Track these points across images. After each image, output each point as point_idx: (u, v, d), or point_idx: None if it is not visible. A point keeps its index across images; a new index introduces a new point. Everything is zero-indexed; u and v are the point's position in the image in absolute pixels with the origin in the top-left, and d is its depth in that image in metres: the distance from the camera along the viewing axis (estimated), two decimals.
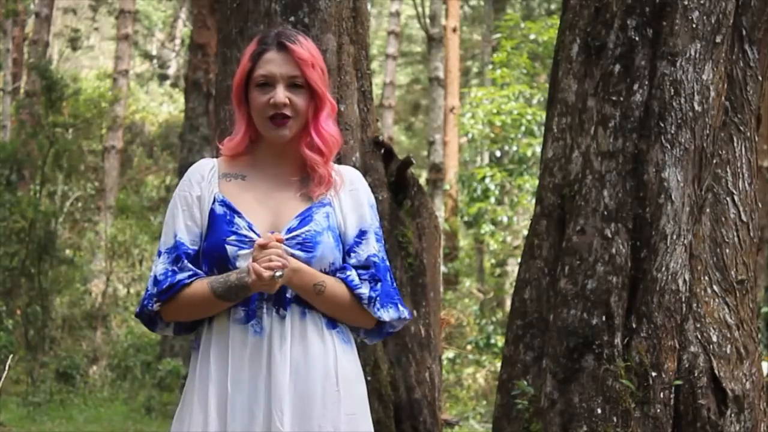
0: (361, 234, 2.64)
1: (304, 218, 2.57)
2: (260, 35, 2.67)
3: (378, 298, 2.61)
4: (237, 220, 2.56)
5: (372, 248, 2.63)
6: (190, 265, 2.58)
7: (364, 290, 2.59)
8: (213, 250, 2.56)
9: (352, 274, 2.60)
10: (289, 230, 2.56)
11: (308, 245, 2.55)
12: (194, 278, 2.56)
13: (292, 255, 2.53)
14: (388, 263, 2.68)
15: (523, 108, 14.09)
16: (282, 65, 2.58)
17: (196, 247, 2.60)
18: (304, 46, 2.60)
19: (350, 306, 2.59)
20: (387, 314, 2.64)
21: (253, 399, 2.50)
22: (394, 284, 2.69)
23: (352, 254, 2.62)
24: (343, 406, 2.55)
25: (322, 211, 2.60)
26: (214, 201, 2.60)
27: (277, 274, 2.44)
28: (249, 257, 2.51)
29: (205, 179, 2.64)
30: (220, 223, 2.57)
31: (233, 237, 2.54)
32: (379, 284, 2.62)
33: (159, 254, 2.62)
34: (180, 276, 2.56)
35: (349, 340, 2.64)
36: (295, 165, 2.64)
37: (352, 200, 2.65)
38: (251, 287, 2.48)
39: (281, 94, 2.56)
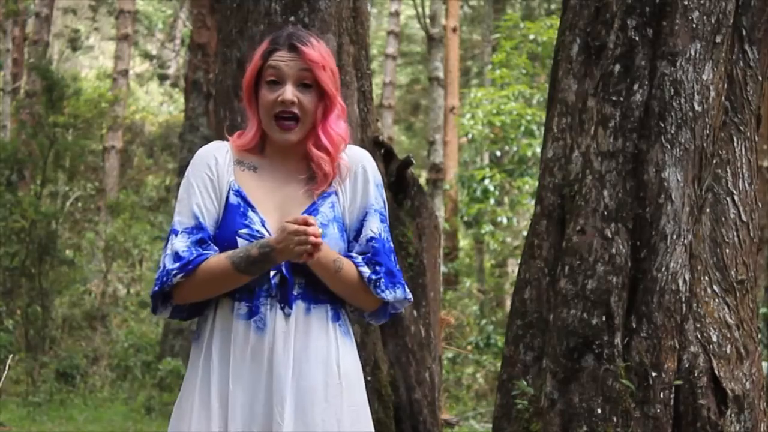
0: (364, 215, 2.65)
1: (310, 213, 2.59)
2: (273, 35, 2.68)
3: (381, 280, 2.62)
4: (251, 213, 2.58)
5: (371, 230, 2.64)
6: (215, 247, 2.58)
7: (366, 270, 2.60)
8: (223, 239, 2.57)
9: (356, 255, 2.62)
10: None
11: None
12: (211, 254, 2.57)
13: None
14: (391, 244, 2.68)
15: (522, 108, 14.08)
16: (292, 65, 2.60)
17: (212, 233, 2.61)
18: (316, 48, 2.62)
19: (359, 285, 2.60)
20: (392, 295, 2.64)
21: (253, 395, 2.51)
22: (397, 265, 2.69)
23: (358, 238, 2.65)
24: (345, 398, 2.57)
25: (328, 202, 2.62)
26: (229, 189, 2.62)
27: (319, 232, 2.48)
28: None
29: (221, 163, 2.64)
30: (233, 214, 2.59)
31: (245, 230, 2.56)
32: (379, 267, 2.62)
33: (175, 233, 2.59)
34: (202, 253, 2.56)
35: (349, 332, 2.66)
36: (303, 162, 2.65)
37: (357, 182, 2.66)
38: (276, 259, 2.48)
39: (289, 92, 2.58)
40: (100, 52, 30.41)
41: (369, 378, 4.76)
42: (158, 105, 27.09)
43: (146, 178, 21.56)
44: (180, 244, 2.57)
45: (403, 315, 5.10)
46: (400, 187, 5.31)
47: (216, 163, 2.64)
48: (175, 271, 2.55)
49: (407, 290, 2.68)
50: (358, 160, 2.68)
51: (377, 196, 2.67)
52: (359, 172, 2.66)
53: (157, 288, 2.58)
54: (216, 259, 2.53)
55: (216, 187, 2.62)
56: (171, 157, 21.60)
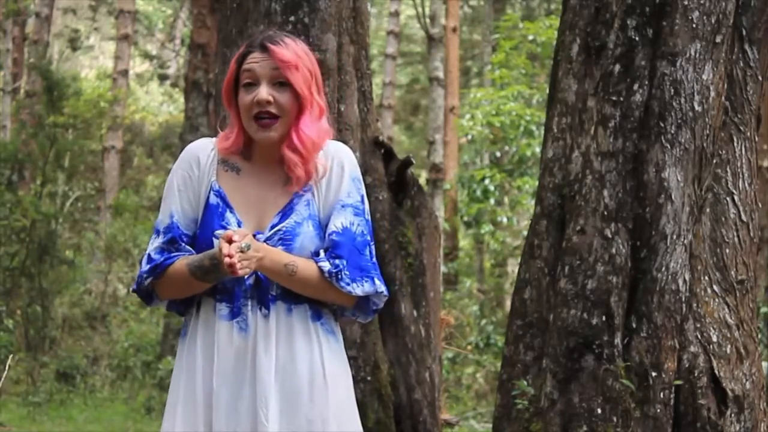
0: (332, 211, 2.64)
1: (285, 212, 2.61)
2: (248, 40, 2.71)
3: (342, 272, 2.59)
4: (228, 215, 2.60)
5: (334, 225, 2.62)
6: (187, 247, 2.62)
7: (326, 264, 2.59)
8: (203, 239, 2.60)
9: (321, 252, 2.62)
10: (272, 227, 2.60)
11: (287, 238, 2.58)
12: (180, 256, 2.60)
13: None
14: (367, 237, 2.66)
15: (522, 109, 14.07)
16: (264, 65, 2.61)
17: (190, 232, 2.64)
18: (289, 48, 2.62)
19: (323, 283, 2.59)
20: (360, 288, 2.61)
21: (237, 396, 2.53)
22: (373, 258, 2.67)
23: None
24: (330, 398, 2.57)
25: (303, 200, 2.62)
26: (210, 189, 2.63)
27: (243, 244, 2.46)
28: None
29: (204, 163, 2.66)
30: (212, 215, 2.61)
31: (222, 231, 2.57)
32: (339, 260, 2.59)
33: (157, 233, 2.65)
34: (172, 255, 2.60)
35: (333, 331, 2.65)
36: (281, 163, 2.66)
37: (332, 179, 2.65)
38: (224, 271, 2.48)
39: (264, 92, 2.59)
40: (100, 52, 30.40)
41: (369, 378, 4.76)
42: (158, 105, 27.08)
43: (146, 178, 21.55)
44: (155, 244, 2.63)
45: (403, 315, 5.09)
46: (400, 187, 5.31)
47: (198, 163, 2.66)
48: (144, 275, 2.62)
49: (378, 283, 2.64)
50: (335, 156, 2.67)
51: (351, 191, 2.65)
52: (335, 170, 2.65)
53: (134, 287, 2.67)
54: (179, 264, 2.57)
55: (195, 186, 2.65)
56: (171, 157, 21.58)
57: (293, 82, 2.60)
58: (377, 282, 2.64)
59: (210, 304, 2.59)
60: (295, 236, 2.57)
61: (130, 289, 2.75)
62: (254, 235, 2.55)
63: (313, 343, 2.58)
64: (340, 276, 2.58)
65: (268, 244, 2.55)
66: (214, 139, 2.72)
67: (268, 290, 2.56)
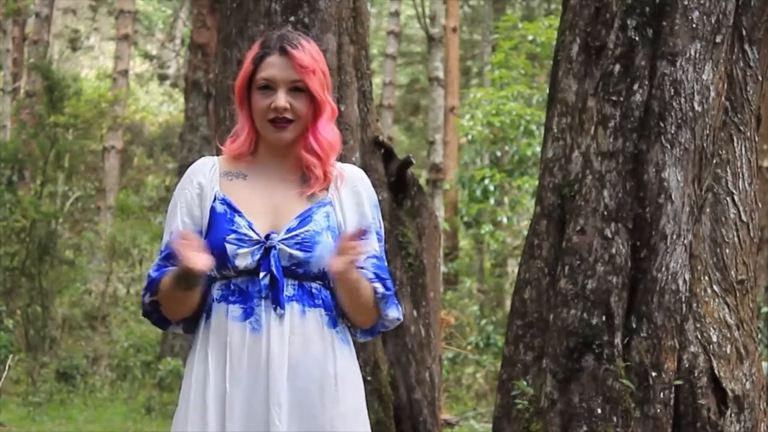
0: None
1: (304, 218, 2.59)
2: (263, 38, 2.69)
3: (388, 297, 2.64)
4: (237, 219, 2.58)
5: (373, 248, 2.65)
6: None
7: (379, 286, 2.62)
8: (213, 248, 2.57)
9: (367, 270, 2.62)
10: (289, 230, 2.58)
11: (307, 245, 2.56)
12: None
13: (291, 255, 2.55)
14: (386, 264, 2.70)
15: (522, 109, 14.07)
16: (283, 70, 2.60)
17: None
18: (306, 51, 2.63)
19: (369, 300, 2.61)
20: (392, 313, 2.67)
21: (251, 397, 2.52)
22: (394, 284, 2.72)
23: None
24: (340, 405, 2.56)
25: (322, 211, 2.62)
26: (214, 199, 2.62)
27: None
28: (248, 256, 2.54)
29: (206, 177, 2.66)
30: (220, 222, 2.59)
31: (233, 236, 2.56)
32: (387, 282, 2.64)
33: (160, 254, 2.65)
34: (165, 269, 2.59)
35: (347, 340, 2.65)
36: (295, 165, 2.67)
37: (353, 199, 2.67)
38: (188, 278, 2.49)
39: (282, 99, 2.59)
40: (100, 52, 30.39)
41: (369, 378, 4.76)
42: (158, 105, 27.08)
43: (146, 178, 21.55)
44: (153, 264, 2.63)
45: (403, 315, 5.10)
46: (400, 187, 5.31)
47: (200, 178, 2.66)
48: (143, 292, 2.62)
49: (400, 309, 2.71)
50: (353, 178, 2.70)
51: (374, 215, 2.69)
52: (355, 193, 2.67)
53: (142, 311, 2.67)
54: (168, 275, 2.56)
55: (197, 201, 2.64)
56: (171, 157, 21.59)
57: (312, 87, 2.60)
58: (399, 309, 2.70)
59: (222, 309, 2.57)
60: (315, 244, 2.56)
61: (141, 314, 2.75)
62: (268, 236, 2.56)
63: (326, 349, 2.57)
64: (386, 299, 2.63)
65: (284, 245, 2.54)
66: (213, 157, 2.72)
67: (283, 290, 2.55)
